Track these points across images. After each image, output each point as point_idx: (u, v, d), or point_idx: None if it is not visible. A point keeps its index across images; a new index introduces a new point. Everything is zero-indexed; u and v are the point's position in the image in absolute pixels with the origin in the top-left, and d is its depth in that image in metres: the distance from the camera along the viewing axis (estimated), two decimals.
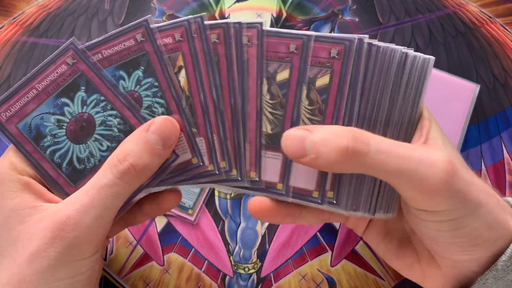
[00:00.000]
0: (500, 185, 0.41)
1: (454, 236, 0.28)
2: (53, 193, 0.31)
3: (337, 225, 0.41)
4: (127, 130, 0.30)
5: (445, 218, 0.27)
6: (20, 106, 0.30)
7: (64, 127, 0.31)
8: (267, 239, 0.40)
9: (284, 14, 0.44)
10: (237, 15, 0.44)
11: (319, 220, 0.33)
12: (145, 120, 0.30)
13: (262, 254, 0.40)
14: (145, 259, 0.40)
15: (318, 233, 0.41)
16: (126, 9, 0.45)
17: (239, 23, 0.30)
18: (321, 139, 0.27)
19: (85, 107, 0.30)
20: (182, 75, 0.30)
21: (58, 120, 0.31)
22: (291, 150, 0.28)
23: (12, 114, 0.30)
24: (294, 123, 0.30)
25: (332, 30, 0.44)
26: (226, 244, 0.40)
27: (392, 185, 0.28)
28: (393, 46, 0.29)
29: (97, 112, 0.30)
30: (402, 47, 0.29)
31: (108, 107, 0.30)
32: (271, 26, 0.44)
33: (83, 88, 0.30)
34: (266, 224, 0.41)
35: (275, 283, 0.40)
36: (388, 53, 0.29)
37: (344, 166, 0.27)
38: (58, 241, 0.28)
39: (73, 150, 0.31)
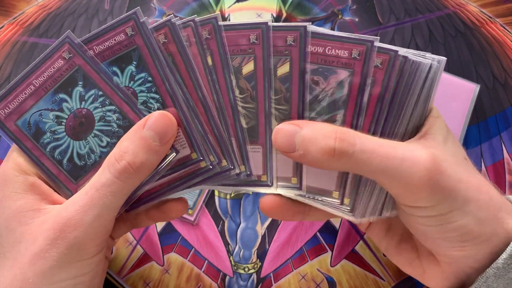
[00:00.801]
0: (500, 185, 0.41)
1: (443, 231, 0.28)
2: (55, 190, 0.31)
3: (337, 225, 0.41)
4: (126, 125, 0.30)
5: (432, 213, 0.28)
6: (19, 103, 0.30)
7: (63, 123, 0.30)
8: (267, 239, 0.40)
9: (284, 14, 0.44)
10: (237, 15, 0.44)
11: (327, 216, 0.33)
12: (144, 115, 0.30)
13: (262, 254, 0.40)
14: (145, 259, 0.40)
15: (318, 233, 0.41)
16: (126, 9, 0.45)
17: (193, 20, 0.29)
18: (310, 137, 0.28)
19: (83, 102, 0.30)
20: None
21: (57, 116, 0.30)
22: (281, 145, 0.28)
23: (11, 111, 0.30)
24: (267, 115, 0.30)
25: (332, 30, 0.44)
26: (226, 244, 0.40)
27: (378, 183, 0.29)
28: (410, 55, 0.29)
29: (96, 108, 0.30)
30: (419, 56, 0.29)
31: (107, 102, 0.30)
32: None
33: (80, 83, 0.30)
34: (266, 224, 0.41)
35: (275, 283, 0.40)
36: (400, 61, 0.29)
37: (330, 165, 0.28)
38: (60, 241, 0.28)
39: (73, 147, 0.30)
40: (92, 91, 0.30)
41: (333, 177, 0.31)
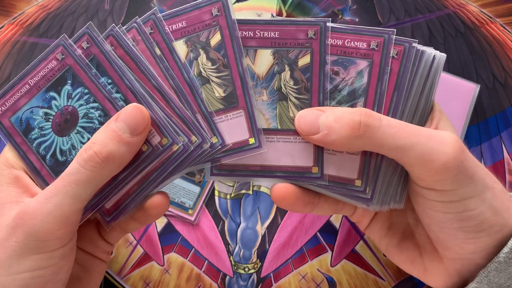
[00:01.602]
0: None
1: (461, 219, 0.28)
2: (37, 184, 0.31)
3: (337, 225, 0.41)
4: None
5: (452, 198, 0.28)
6: (14, 101, 0.32)
7: (50, 120, 0.31)
8: (267, 239, 0.40)
9: (284, 14, 0.44)
10: (237, 15, 0.44)
11: (332, 211, 0.33)
12: None
13: (262, 254, 0.40)
14: (145, 259, 0.40)
15: (318, 233, 0.41)
16: (126, 9, 0.45)
17: (136, 22, 0.31)
18: (335, 117, 0.28)
19: (70, 100, 0.31)
20: None
21: (46, 113, 0.31)
22: (304, 127, 0.29)
23: (7, 109, 0.32)
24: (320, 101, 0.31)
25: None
26: (226, 244, 0.40)
27: (401, 162, 0.29)
28: (418, 46, 0.30)
29: (81, 105, 0.31)
30: (425, 47, 0.30)
31: (91, 100, 0.31)
32: None
33: (69, 81, 0.31)
34: (266, 224, 0.41)
35: (275, 283, 0.40)
36: (409, 51, 0.30)
37: (355, 142, 0.28)
38: (18, 230, 0.27)
39: (56, 142, 0.31)
40: (79, 89, 0.31)
41: (355, 166, 0.31)
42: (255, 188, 0.41)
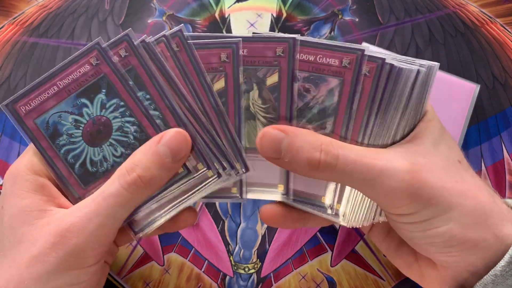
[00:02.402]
0: (500, 185, 0.41)
1: (428, 237, 0.28)
2: (63, 193, 0.31)
3: (337, 225, 0.41)
4: (143, 138, 0.30)
5: (414, 220, 0.28)
6: (40, 102, 0.30)
7: (81, 128, 0.30)
8: (267, 239, 0.40)
9: (284, 14, 0.44)
10: (237, 15, 0.44)
11: (328, 222, 0.34)
12: (162, 131, 0.30)
13: (262, 254, 0.40)
14: (145, 259, 0.40)
15: (318, 233, 0.41)
16: (126, 9, 0.45)
17: (165, 36, 0.30)
18: (296, 146, 0.28)
19: (104, 110, 0.30)
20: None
21: (76, 120, 0.30)
22: (267, 151, 0.28)
23: (31, 109, 0.30)
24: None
25: (332, 31, 0.44)
26: (226, 244, 0.40)
27: (361, 193, 0.30)
28: (399, 65, 0.28)
29: (115, 117, 0.30)
30: (407, 65, 0.29)
31: (127, 114, 0.30)
32: (271, 26, 0.44)
33: (104, 90, 0.30)
34: (266, 224, 0.41)
35: (275, 283, 0.40)
36: (394, 73, 0.29)
37: (315, 175, 0.28)
38: (60, 247, 0.27)
39: (87, 152, 0.31)
40: (114, 100, 0.30)
41: (322, 182, 0.32)
42: None
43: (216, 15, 0.44)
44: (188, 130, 0.30)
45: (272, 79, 0.30)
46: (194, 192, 0.31)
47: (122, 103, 0.30)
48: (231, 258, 0.40)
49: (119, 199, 0.28)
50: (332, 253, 0.40)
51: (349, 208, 0.31)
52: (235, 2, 0.44)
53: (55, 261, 0.27)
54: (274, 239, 0.40)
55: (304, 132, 0.29)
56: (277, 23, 0.44)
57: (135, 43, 0.30)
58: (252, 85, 0.30)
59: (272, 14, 0.44)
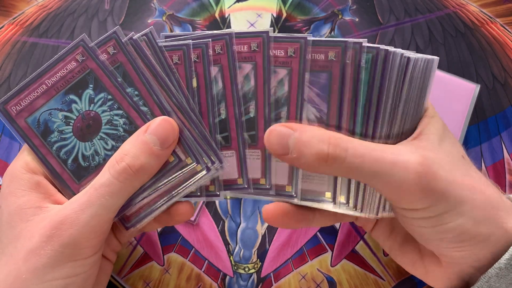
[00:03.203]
0: (500, 185, 0.41)
1: (439, 232, 0.28)
2: (58, 189, 0.31)
3: (337, 225, 0.41)
4: (132, 130, 0.30)
5: (426, 215, 0.28)
6: (30, 101, 0.31)
7: (71, 123, 0.31)
8: (267, 239, 0.40)
9: (284, 14, 0.44)
10: (237, 15, 0.44)
11: (332, 221, 0.34)
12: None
13: (262, 254, 0.40)
14: (145, 259, 0.40)
15: (318, 233, 0.41)
16: (126, 9, 0.45)
17: (187, 45, 0.31)
18: (304, 141, 0.28)
19: (92, 105, 0.31)
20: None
21: (66, 117, 0.31)
22: (275, 147, 0.29)
23: (22, 108, 0.31)
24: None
25: (332, 30, 0.44)
26: (226, 244, 0.40)
27: (372, 187, 0.29)
28: (393, 49, 0.29)
29: (104, 111, 0.31)
30: (403, 50, 0.29)
31: (115, 107, 0.31)
32: (271, 26, 0.44)
33: (91, 85, 0.31)
34: (266, 224, 0.41)
35: (275, 283, 0.40)
36: (388, 58, 0.29)
37: (324, 169, 0.28)
38: (55, 239, 0.28)
39: (78, 147, 0.31)
40: (102, 95, 0.31)
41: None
42: None
43: (216, 15, 0.44)
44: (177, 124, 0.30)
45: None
46: (183, 187, 0.31)
47: (109, 97, 0.31)
48: (231, 258, 0.40)
49: (110, 188, 0.28)
50: (332, 253, 0.40)
51: (358, 199, 0.31)
52: (235, 2, 0.44)
53: (51, 254, 0.28)
54: (274, 239, 0.40)
55: (312, 128, 0.29)
56: (277, 23, 0.44)
57: (123, 40, 0.30)
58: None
59: (272, 14, 0.44)
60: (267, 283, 0.40)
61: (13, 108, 0.31)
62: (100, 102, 0.31)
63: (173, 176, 0.31)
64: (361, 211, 0.31)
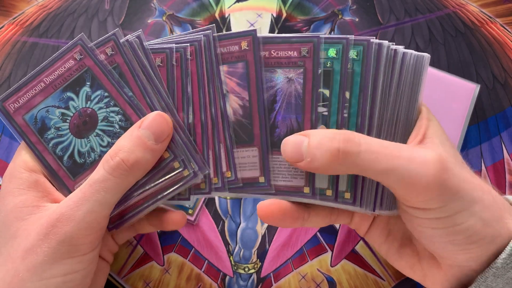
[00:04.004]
0: (500, 185, 0.41)
1: (450, 233, 0.28)
2: (53, 185, 0.31)
3: (337, 225, 0.41)
4: (128, 127, 0.31)
5: (439, 215, 0.27)
6: (28, 98, 0.31)
7: (68, 120, 0.31)
8: (267, 239, 0.40)
9: (284, 14, 0.44)
10: (237, 15, 0.44)
11: (326, 222, 0.33)
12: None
13: (262, 254, 0.40)
14: (145, 259, 0.40)
15: (318, 233, 0.41)
16: (126, 9, 0.45)
17: (184, 48, 0.31)
18: (315, 143, 0.28)
19: (89, 102, 0.31)
20: None
21: (63, 114, 0.31)
22: (290, 155, 0.29)
23: (20, 106, 0.31)
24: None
25: (332, 30, 0.44)
26: (226, 244, 0.40)
27: (385, 185, 0.28)
28: (378, 41, 0.29)
29: (100, 108, 0.31)
30: (390, 43, 0.30)
31: (111, 104, 0.31)
32: (271, 26, 0.44)
33: (88, 83, 0.31)
34: (266, 224, 0.41)
35: (275, 283, 0.40)
36: (374, 49, 0.29)
37: (338, 168, 0.28)
38: (51, 236, 0.28)
39: (74, 144, 0.31)
40: (98, 92, 0.31)
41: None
42: None
43: (216, 15, 0.44)
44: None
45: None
46: (169, 192, 0.31)
47: (106, 94, 0.31)
48: (231, 258, 0.40)
49: (105, 184, 0.28)
50: (332, 253, 0.40)
51: (359, 194, 0.31)
52: (235, 2, 0.44)
53: (48, 251, 0.28)
54: (274, 239, 0.40)
55: (323, 130, 0.29)
56: (277, 23, 0.44)
57: (120, 41, 0.31)
58: None
59: (272, 14, 0.44)
60: (267, 283, 0.40)
61: (11, 106, 0.31)
62: (97, 99, 0.31)
63: (161, 180, 0.31)
64: (360, 206, 0.31)
